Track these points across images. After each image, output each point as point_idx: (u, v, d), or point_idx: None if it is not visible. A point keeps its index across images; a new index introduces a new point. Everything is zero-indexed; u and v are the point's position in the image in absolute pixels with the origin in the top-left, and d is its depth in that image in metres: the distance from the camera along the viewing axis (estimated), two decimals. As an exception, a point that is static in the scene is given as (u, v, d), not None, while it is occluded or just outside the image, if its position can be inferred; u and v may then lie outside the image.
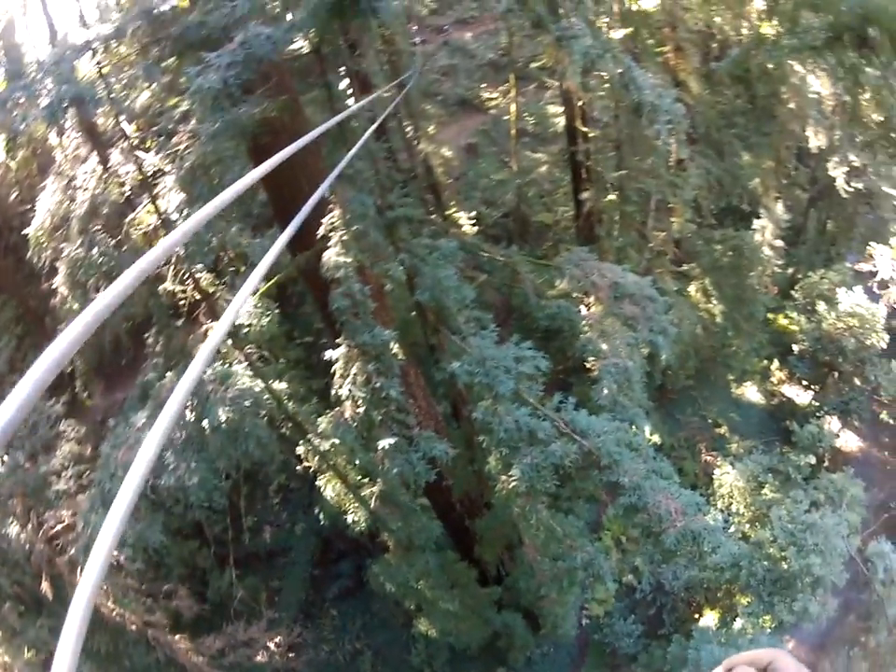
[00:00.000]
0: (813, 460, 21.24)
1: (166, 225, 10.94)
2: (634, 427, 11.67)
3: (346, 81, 13.46)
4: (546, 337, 19.91)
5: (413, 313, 15.33)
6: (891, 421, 24.24)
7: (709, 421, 24.20)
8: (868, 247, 25.59)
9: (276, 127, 9.77)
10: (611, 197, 23.07)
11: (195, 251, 11.21)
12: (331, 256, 10.43)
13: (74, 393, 17.54)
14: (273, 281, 12.15)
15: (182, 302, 12.62)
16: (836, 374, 23.67)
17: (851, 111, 18.50)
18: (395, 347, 11.25)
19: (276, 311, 12.01)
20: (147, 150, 12.02)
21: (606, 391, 12.49)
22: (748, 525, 19.70)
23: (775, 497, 19.55)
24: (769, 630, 15.86)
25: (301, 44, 11.46)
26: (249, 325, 12.05)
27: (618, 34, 19.17)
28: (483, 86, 29.46)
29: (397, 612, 19.43)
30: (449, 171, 26.64)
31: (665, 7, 21.68)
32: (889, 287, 24.55)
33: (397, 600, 17.36)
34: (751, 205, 25.03)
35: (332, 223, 10.64)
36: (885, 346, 22.83)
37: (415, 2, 27.86)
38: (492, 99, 29.39)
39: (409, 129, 19.35)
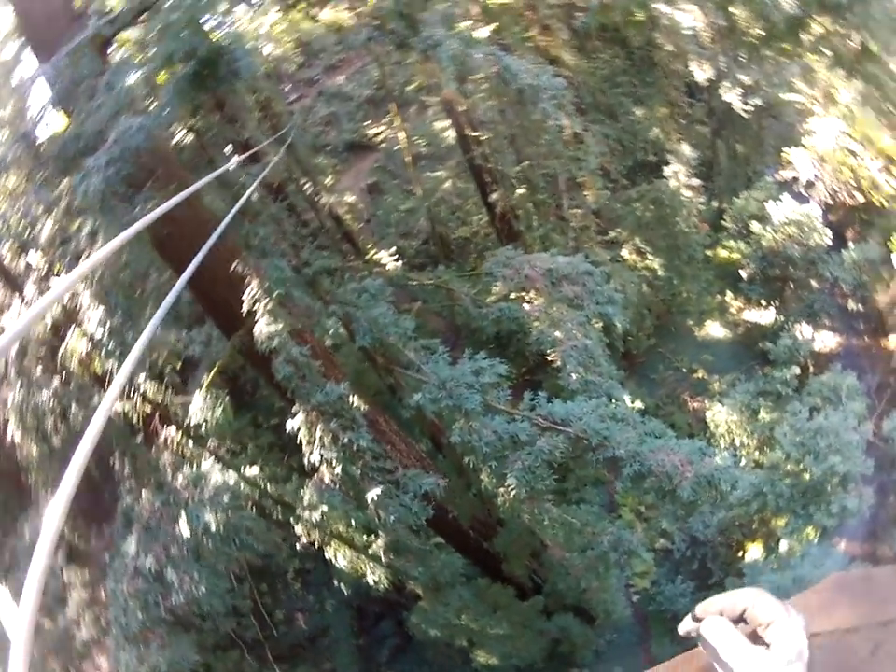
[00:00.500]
0: (797, 370, 21.35)
1: (97, 347, 10.77)
2: (612, 400, 11.64)
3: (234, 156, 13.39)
4: (500, 344, 19.92)
5: (364, 360, 15.19)
6: (860, 307, 24.45)
7: (684, 370, 24.22)
8: (783, 154, 25.85)
9: (176, 217, 9.62)
10: (520, 191, 23.17)
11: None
12: (262, 328, 10.27)
13: (67, 541, 17.14)
14: (214, 370, 11.96)
15: (135, 418, 12.39)
16: (791, 284, 23.87)
17: (729, 33, 18.71)
18: (353, 399, 11.08)
19: (227, 399, 11.77)
20: (59, 275, 11.83)
21: (573, 375, 12.48)
22: (756, 453, 19.73)
23: (773, 418, 19.62)
24: (815, 540, 15.83)
25: (178, 129, 11.43)
26: (205, 420, 11.80)
27: (483, 31, 19.34)
28: (367, 124, 29.62)
29: (452, 653, 19.00)
30: (357, 215, 26.65)
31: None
32: (814, 186, 24.79)
33: (447, 642, 17.04)
34: (658, 155, 25.33)
35: (254, 295, 10.48)
36: (830, 242, 23.13)
37: (282, 61, 28.00)
38: (379, 134, 29.53)
39: (307, 186, 19.26)
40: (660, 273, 23.87)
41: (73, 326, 11.26)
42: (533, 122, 20.28)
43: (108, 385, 11.49)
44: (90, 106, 8.65)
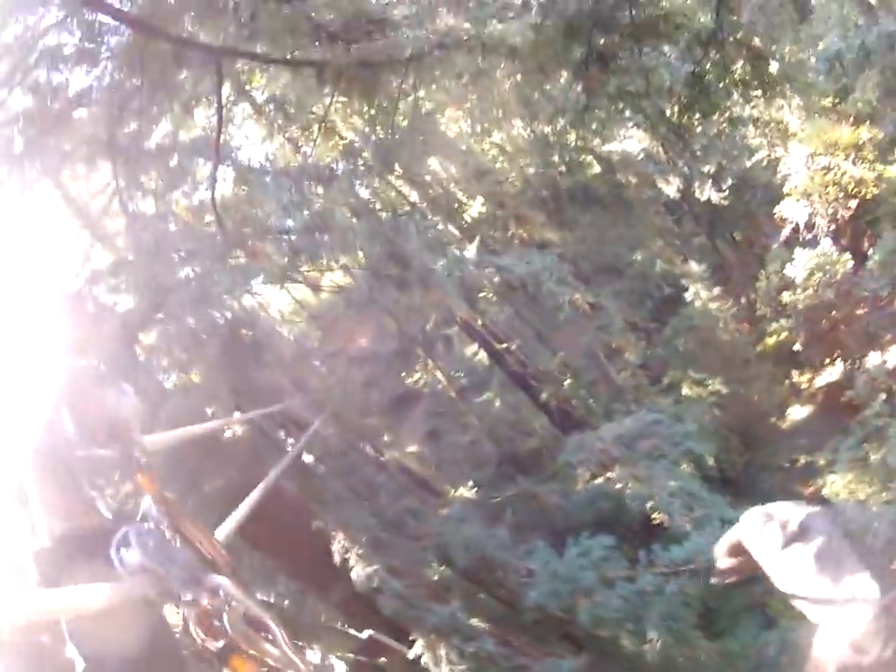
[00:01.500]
0: (884, 396, 20.07)
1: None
2: (727, 523, 11.19)
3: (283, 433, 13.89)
4: (602, 524, 19.28)
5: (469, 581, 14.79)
6: None
7: (786, 465, 22.96)
8: (776, 215, 25.78)
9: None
10: (566, 381, 23.51)
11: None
12: (359, 572, 10.25)
13: None
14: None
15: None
16: (841, 326, 23.14)
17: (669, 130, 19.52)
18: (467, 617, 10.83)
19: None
20: None
21: (681, 520, 12.23)
22: (884, 494, 18.23)
23: (883, 452, 18.26)
24: None
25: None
26: None
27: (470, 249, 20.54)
28: (403, 375, 30.82)
29: None
30: (425, 462, 26.82)
31: (487, 196, 23.75)
32: (814, 224, 24.38)
33: None
34: (672, 285, 26.13)
35: (343, 546, 10.55)
36: (853, 263, 22.66)
37: (303, 340, 29.50)
38: (418, 381, 30.55)
39: (366, 448, 19.74)
40: (724, 391, 23.49)
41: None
42: (548, 310, 21.04)
43: None
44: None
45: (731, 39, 8.28)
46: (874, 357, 22.62)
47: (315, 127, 18.78)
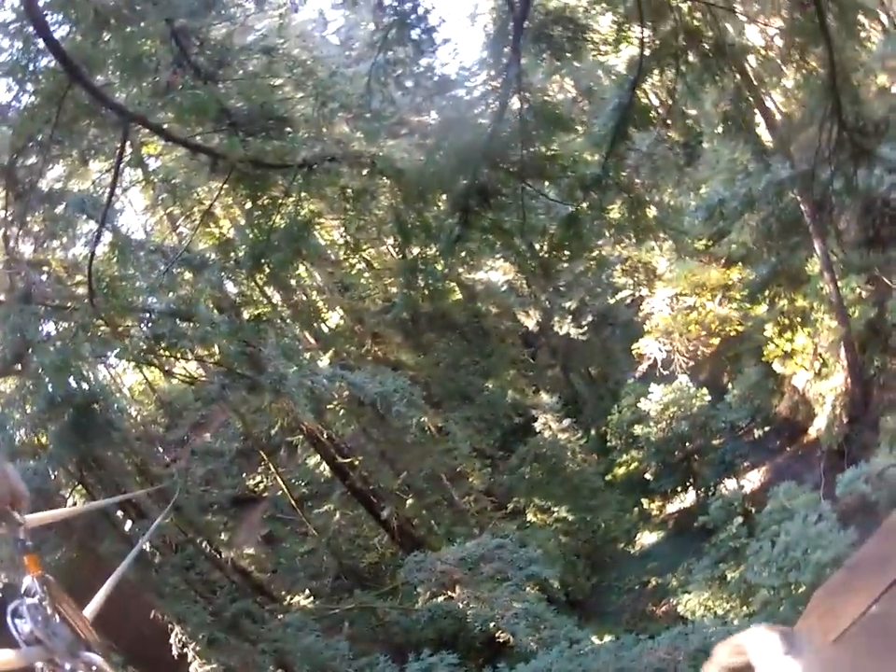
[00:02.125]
0: (741, 520, 21.04)
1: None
2: (574, 643, 11.35)
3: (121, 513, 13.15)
4: (444, 644, 18.99)
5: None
6: (765, 429, 25.20)
7: (637, 587, 23.60)
8: (634, 351, 27.13)
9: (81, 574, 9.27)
10: (409, 501, 23.42)
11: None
12: (196, 669, 9.61)
13: None
14: None
15: None
16: (695, 456, 24.27)
17: (535, 266, 20.34)
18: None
19: None
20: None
21: (526, 639, 12.29)
22: (744, 608, 18.67)
23: (741, 570, 18.94)
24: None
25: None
26: None
27: (324, 359, 20.50)
28: (245, 476, 29.63)
29: None
30: (261, 566, 25.65)
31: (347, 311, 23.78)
32: (672, 360, 25.84)
33: None
34: (522, 415, 26.38)
35: (180, 640, 9.90)
36: (709, 398, 23.94)
37: (149, 423, 28.14)
38: (258, 483, 29.44)
39: (203, 545, 18.74)
40: (570, 517, 24.04)
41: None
42: (395, 429, 21.14)
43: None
44: None
45: (613, 184, 8.75)
46: (729, 483, 23.83)
47: (196, 211, 18.58)
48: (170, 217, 20.69)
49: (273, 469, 26.28)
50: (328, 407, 21.47)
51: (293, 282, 25.82)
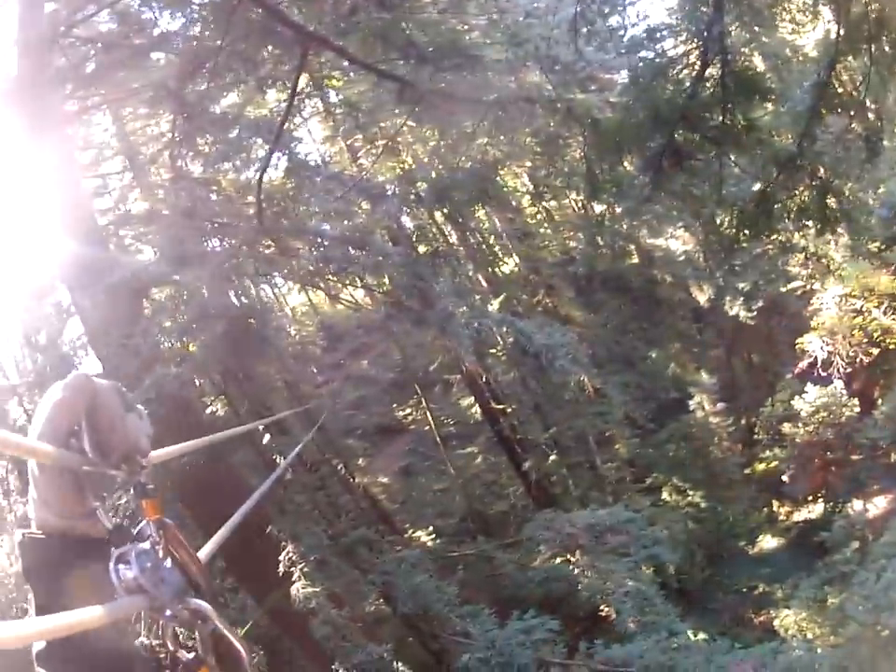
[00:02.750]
0: (857, 545, 20.03)
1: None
2: (672, 634, 11.10)
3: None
4: (551, 606, 19.05)
5: (408, 630, 14.49)
6: None
7: (744, 590, 22.84)
8: (798, 346, 25.88)
9: (208, 478, 9.77)
10: (552, 456, 23.24)
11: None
12: (298, 589, 9.98)
13: None
14: (247, 627, 11.49)
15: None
16: (832, 468, 22.98)
17: (717, 240, 19.40)
18: (395, 662, 10.53)
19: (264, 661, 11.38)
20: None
21: (629, 621, 12.11)
22: (832, 637, 18.05)
23: (843, 598, 18.15)
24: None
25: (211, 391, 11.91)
26: None
27: (494, 303, 20.44)
28: (395, 407, 30.44)
29: None
30: (393, 497, 26.51)
31: (523, 259, 23.58)
32: (832, 363, 24.51)
33: None
34: (680, 390, 25.62)
35: (290, 559, 10.30)
36: (859, 409, 22.72)
37: (307, 344, 29.31)
38: (407, 416, 30.21)
39: (340, 467, 19.46)
40: (703, 504, 23.46)
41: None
42: (554, 384, 20.88)
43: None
44: (125, 348, 9.05)
45: (806, 166, 8.16)
46: (857, 503, 22.52)
47: (380, 142, 18.78)
48: (350, 149, 21.07)
49: (424, 404, 26.82)
50: (490, 351, 21.67)
51: (472, 223, 25.98)
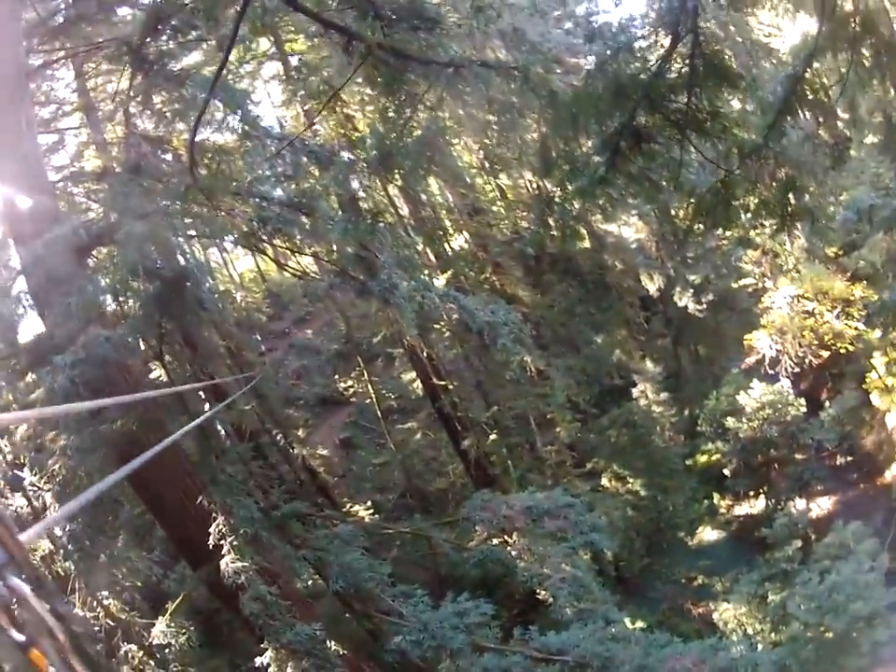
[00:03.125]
0: (799, 543, 20.41)
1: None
2: (609, 623, 11.06)
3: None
4: (486, 588, 18.99)
5: (341, 607, 14.26)
6: (848, 458, 24.26)
7: (683, 581, 23.17)
8: (746, 341, 26.19)
9: (143, 443, 9.35)
10: (492, 436, 23.14)
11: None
12: (228, 563, 9.64)
13: None
14: (179, 599, 11.24)
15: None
16: (776, 465, 23.49)
17: (671, 229, 19.35)
18: (327, 641, 10.28)
19: (194, 630, 11.17)
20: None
21: (565, 607, 12.03)
22: (772, 634, 18.38)
23: (783, 596, 18.50)
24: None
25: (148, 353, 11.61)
26: (168, 644, 11.09)
27: (440, 280, 20.14)
28: (337, 378, 30.16)
29: None
30: (331, 470, 26.27)
31: (473, 235, 23.27)
32: (780, 361, 24.91)
33: None
34: (624, 378, 25.78)
35: (220, 531, 9.93)
36: (805, 409, 23.16)
37: (253, 311, 28.79)
38: (349, 388, 29.97)
39: (279, 437, 19.09)
40: (643, 493, 23.66)
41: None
42: (496, 363, 20.73)
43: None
44: (62, 306, 8.74)
45: (770, 160, 7.95)
46: (799, 502, 22.96)
47: (329, 102, 18.27)
48: (307, 114, 20.55)
49: (366, 377, 26.51)
50: (434, 326, 21.42)
51: (423, 196, 25.59)
